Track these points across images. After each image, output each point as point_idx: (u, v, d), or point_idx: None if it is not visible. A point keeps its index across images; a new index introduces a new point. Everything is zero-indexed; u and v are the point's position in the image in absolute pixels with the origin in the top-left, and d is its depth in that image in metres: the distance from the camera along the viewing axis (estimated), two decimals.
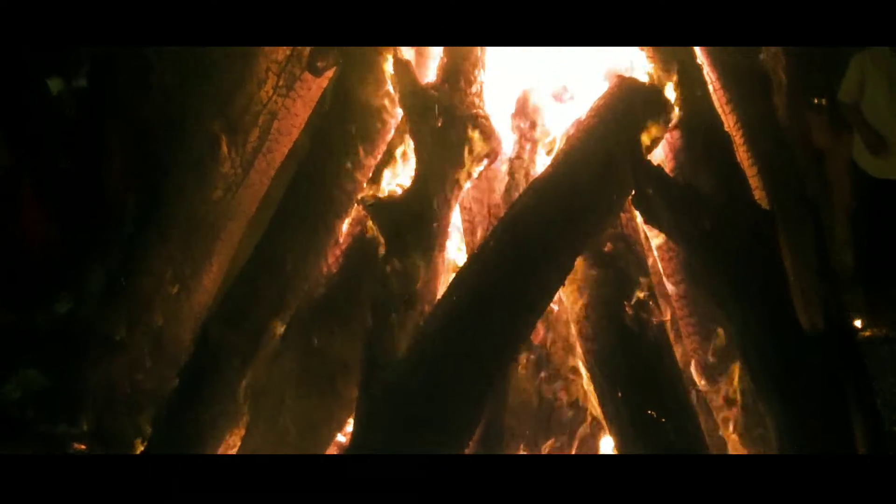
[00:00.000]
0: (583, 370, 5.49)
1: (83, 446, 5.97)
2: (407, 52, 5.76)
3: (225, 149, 6.06)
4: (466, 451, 4.93)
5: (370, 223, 5.63)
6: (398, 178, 5.78)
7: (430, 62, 5.85)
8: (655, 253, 5.72)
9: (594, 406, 5.44)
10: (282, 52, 6.08)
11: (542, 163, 5.56)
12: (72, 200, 9.52)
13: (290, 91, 6.13)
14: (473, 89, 5.54)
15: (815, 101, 9.48)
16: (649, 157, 5.40)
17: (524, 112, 5.67)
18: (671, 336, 5.54)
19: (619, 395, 5.16)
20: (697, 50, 5.85)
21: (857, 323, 8.58)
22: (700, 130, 5.58)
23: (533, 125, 5.65)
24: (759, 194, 5.94)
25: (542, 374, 5.58)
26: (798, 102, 7.85)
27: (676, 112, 5.52)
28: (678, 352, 5.55)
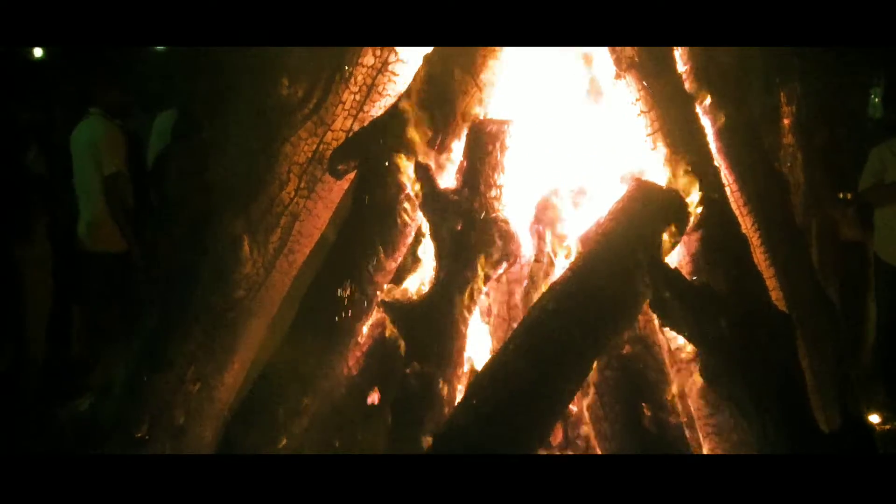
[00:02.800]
0: None
1: None
2: None
3: (247, 249, 6.11)
4: None
5: (390, 325, 5.66)
6: (418, 280, 5.84)
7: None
8: (673, 355, 5.73)
9: None
10: (304, 155, 6.15)
11: (561, 266, 5.58)
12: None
13: (311, 193, 6.19)
14: (493, 193, 5.60)
15: (841, 195, 9.50)
16: (667, 260, 5.43)
17: (543, 215, 5.71)
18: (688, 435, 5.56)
19: None
20: (714, 149, 5.92)
21: (876, 417, 8.55)
22: (717, 233, 5.61)
23: (552, 228, 5.69)
24: (776, 295, 5.98)
25: None
26: (816, 201, 7.92)
27: (694, 214, 5.55)
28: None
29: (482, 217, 5.55)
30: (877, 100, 11.45)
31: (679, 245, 5.56)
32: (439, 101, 5.79)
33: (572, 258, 5.48)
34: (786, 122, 7.36)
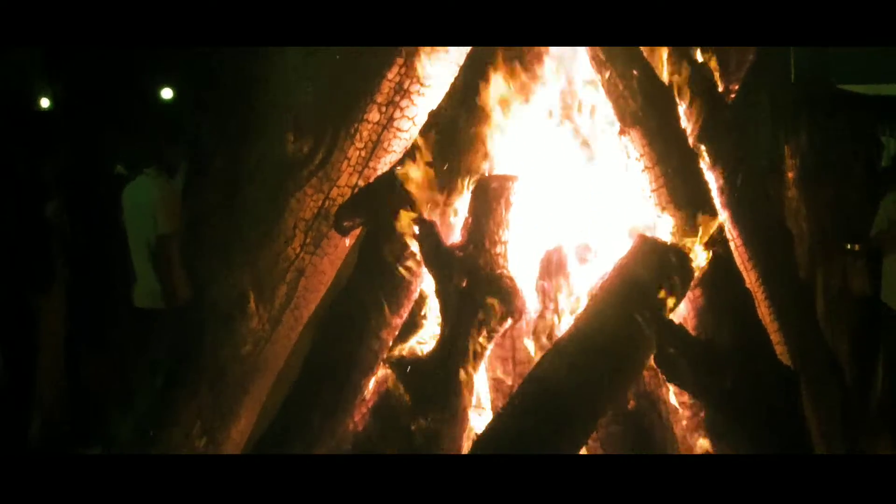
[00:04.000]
0: None
1: None
2: None
3: (253, 305, 6.14)
4: None
5: (396, 381, 5.67)
6: (423, 337, 5.85)
7: None
8: (679, 409, 5.73)
9: None
10: (309, 211, 6.19)
11: (566, 322, 5.60)
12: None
13: (317, 248, 6.22)
14: (498, 249, 5.61)
15: (849, 246, 9.47)
16: (671, 316, 5.44)
17: (548, 271, 5.72)
18: None
19: None
20: (718, 204, 5.94)
21: None
22: (722, 288, 5.62)
23: (557, 284, 5.70)
24: (781, 349, 5.98)
25: None
26: (823, 253, 7.93)
27: (698, 270, 5.56)
28: None
29: (487, 273, 5.55)
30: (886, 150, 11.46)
31: (684, 300, 5.57)
32: (444, 157, 5.81)
33: (577, 314, 5.49)
34: (790, 175, 7.39)
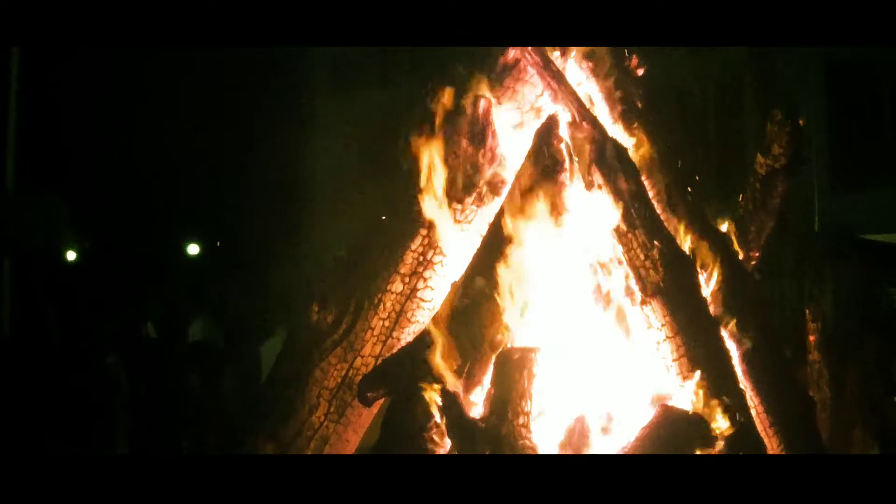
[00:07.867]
0: None
1: None
2: None
3: None
4: None
5: None
6: None
7: None
8: None
9: None
10: (333, 380, 6.25)
11: None
12: None
13: (340, 417, 6.27)
14: (521, 420, 5.62)
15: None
16: None
17: (571, 441, 5.73)
18: None
19: None
20: (739, 372, 5.97)
21: None
22: None
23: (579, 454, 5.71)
24: None
25: None
26: (845, 417, 7.91)
27: (720, 438, 5.57)
28: None
29: (510, 444, 5.56)
30: None
31: None
32: (467, 329, 5.87)
33: None
34: (812, 338, 7.41)
